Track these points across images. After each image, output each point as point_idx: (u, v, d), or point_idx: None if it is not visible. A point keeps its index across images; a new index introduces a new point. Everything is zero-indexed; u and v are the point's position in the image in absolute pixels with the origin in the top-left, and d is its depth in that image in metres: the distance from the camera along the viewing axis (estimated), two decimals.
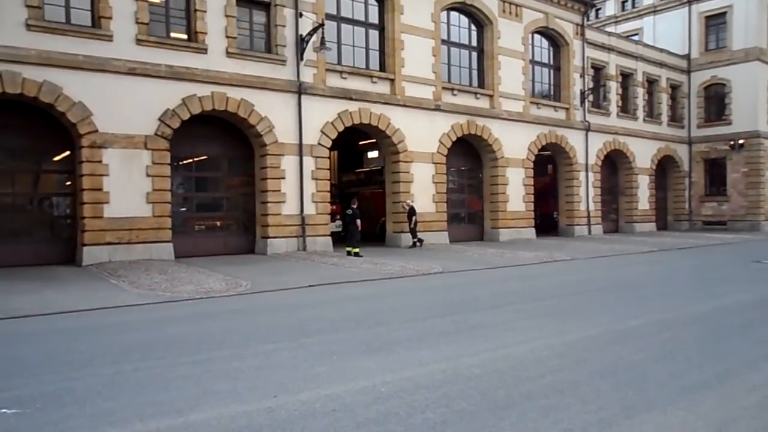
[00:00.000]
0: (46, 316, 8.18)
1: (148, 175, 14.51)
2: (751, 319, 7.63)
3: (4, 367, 5.45)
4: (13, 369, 5.33)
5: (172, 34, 15.22)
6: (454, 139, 20.77)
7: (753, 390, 4.61)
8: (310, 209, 17.17)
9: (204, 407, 4.21)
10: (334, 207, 20.25)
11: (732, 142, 30.67)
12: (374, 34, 19.25)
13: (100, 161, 13.88)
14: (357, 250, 16.17)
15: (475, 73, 22.11)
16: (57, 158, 14.81)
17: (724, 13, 30.94)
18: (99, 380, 4.91)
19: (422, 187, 19.85)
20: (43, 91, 13.09)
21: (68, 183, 14.71)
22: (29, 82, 12.90)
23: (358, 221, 16.83)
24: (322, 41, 16.22)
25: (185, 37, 15.36)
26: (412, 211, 18.78)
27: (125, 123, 14.18)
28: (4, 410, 4.18)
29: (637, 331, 6.78)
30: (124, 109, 14.13)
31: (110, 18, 13.96)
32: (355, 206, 17.25)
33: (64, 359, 5.65)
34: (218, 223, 17.27)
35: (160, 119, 14.66)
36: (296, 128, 16.91)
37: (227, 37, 15.72)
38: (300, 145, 16.95)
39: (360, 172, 26.70)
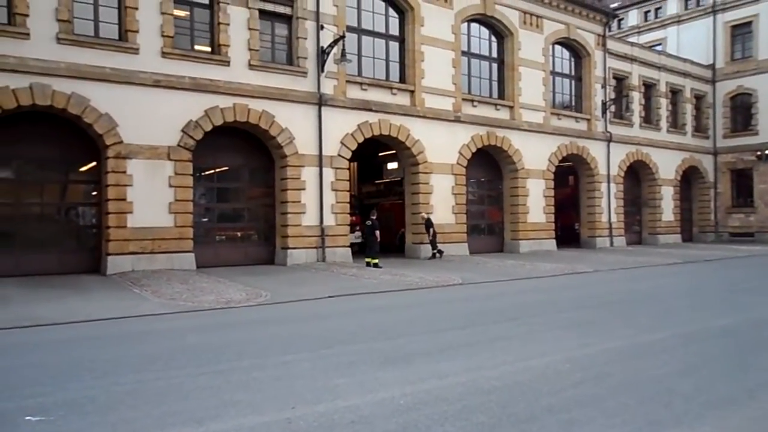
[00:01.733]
0: (70, 324, 8.31)
1: (170, 186, 14.72)
2: None
3: (29, 374, 5.55)
4: (37, 377, 5.42)
5: (196, 47, 15.50)
6: (474, 150, 20.71)
7: None
8: (329, 220, 17.23)
9: (223, 417, 4.22)
10: (354, 218, 20.28)
11: (759, 153, 30.05)
12: (395, 46, 19.36)
13: (125, 172, 14.13)
14: (376, 260, 16.16)
15: (495, 84, 22.08)
16: (83, 169, 15.13)
17: (750, 23, 30.49)
18: (121, 389, 4.96)
19: (442, 199, 19.80)
20: (72, 103, 13.40)
21: (94, 193, 15.00)
22: (58, 94, 13.23)
23: (377, 232, 16.83)
24: (343, 53, 16.36)
25: (209, 49, 15.63)
26: (429, 223, 18.72)
27: (149, 134, 14.44)
28: (28, 417, 4.25)
29: (662, 344, 6.64)
30: (149, 120, 14.39)
31: (137, 31, 14.28)
32: (374, 217, 17.27)
33: (87, 367, 5.73)
34: (239, 234, 17.42)
35: (183, 130, 14.89)
36: (316, 139, 17.03)
37: (250, 49, 15.95)
38: (320, 156, 17.06)
39: (379, 183, 26.73)
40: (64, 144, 14.38)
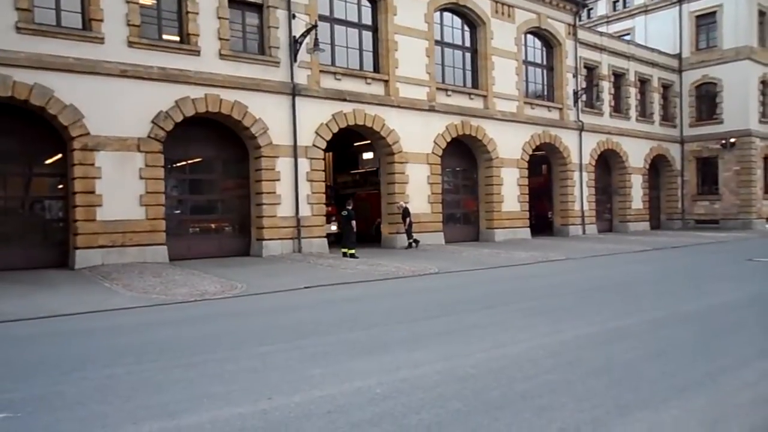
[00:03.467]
0: (38, 319, 8.12)
1: (141, 178, 14.45)
2: (744, 317, 7.66)
3: None
4: (3, 373, 5.29)
5: (165, 36, 15.17)
6: (448, 139, 20.79)
7: (745, 388, 4.62)
8: (305, 211, 17.15)
9: (197, 410, 4.19)
10: (330, 208, 20.22)
11: (723, 141, 30.84)
12: (368, 35, 19.26)
13: (93, 164, 13.81)
14: (353, 251, 16.15)
15: (468, 73, 22.15)
16: (49, 161, 14.74)
17: (714, 12, 31.12)
18: (91, 384, 4.88)
19: (417, 188, 19.86)
20: (34, 94, 13.02)
21: (60, 186, 14.64)
22: (20, 85, 12.83)
23: (354, 222, 16.81)
24: (316, 42, 16.21)
25: (177, 39, 15.32)
26: (406, 213, 18.78)
27: (118, 125, 14.12)
28: None
29: (631, 329, 6.80)
30: (117, 111, 14.07)
31: (101, 20, 13.91)
32: (350, 207, 17.24)
33: (56, 363, 5.62)
34: (213, 226, 17.23)
35: (153, 122, 14.61)
36: (291, 130, 16.88)
37: (220, 38, 15.68)
38: (295, 146, 16.93)
39: (355, 174, 26.69)
40: (28, 136, 13.99)
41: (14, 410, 4.24)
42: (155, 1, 15.10)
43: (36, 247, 14.24)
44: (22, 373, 5.28)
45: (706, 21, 31.60)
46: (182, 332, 7.27)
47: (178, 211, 16.39)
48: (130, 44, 14.31)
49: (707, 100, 32.00)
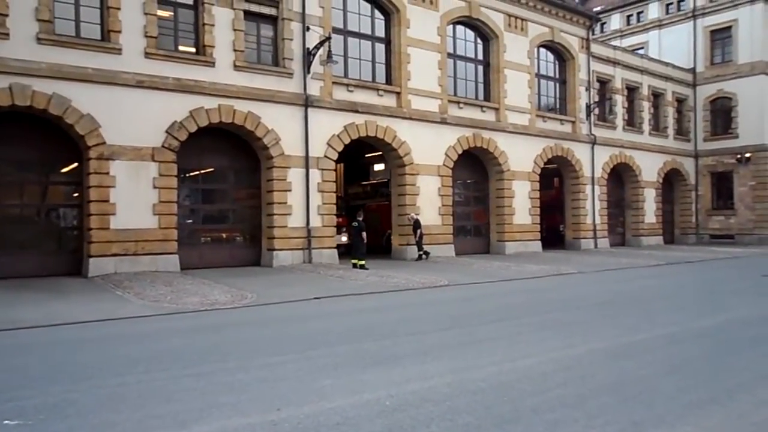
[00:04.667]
0: (51, 327, 8.19)
1: (154, 187, 14.58)
2: (760, 333, 7.53)
3: (8, 378, 5.45)
4: (16, 380, 5.33)
5: (180, 48, 15.39)
6: (460, 151, 20.79)
7: (762, 405, 4.54)
8: (316, 221, 17.19)
9: (207, 420, 4.18)
10: (340, 219, 20.26)
11: (739, 156, 30.55)
12: (380, 48, 19.38)
13: (108, 173, 13.97)
14: (363, 262, 16.15)
15: (481, 86, 22.19)
16: (65, 170, 14.93)
17: (730, 27, 30.97)
18: (102, 392, 4.90)
19: (428, 200, 19.85)
20: (53, 104, 13.22)
21: (75, 194, 14.81)
22: (39, 95, 13.04)
23: (364, 234, 16.83)
24: (329, 54, 16.34)
25: (193, 50, 15.52)
26: (417, 224, 18.76)
27: (133, 135, 14.29)
28: (6, 422, 4.17)
29: (645, 345, 6.71)
30: (132, 121, 14.24)
31: (119, 31, 14.13)
32: (360, 219, 17.27)
33: (68, 371, 5.65)
34: (224, 235, 17.31)
35: (167, 131, 14.77)
36: (303, 141, 16.98)
37: (235, 50, 15.86)
38: (306, 157, 17.02)
39: (366, 185, 26.73)
40: (45, 145, 14.18)
41: (27, 417, 4.26)
42: (172, 13, 15.34)
43: (51, 254, 14.38)
44: (36, 380, 5.31)
45: (721, 36, 31.44)
46: (193, 341, 7.28)
47: (190, 221, 16.50)
48: (147, 55, 14.51)
49: (722, 114, 31.77)
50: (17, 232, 14.04)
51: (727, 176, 31.43)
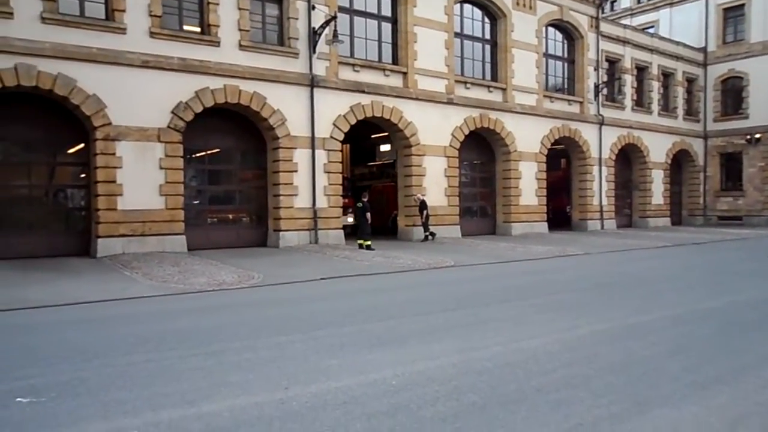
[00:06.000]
0: (61, 307, 8.28)
1: (161, 168, 14.60)
2: (766, 315, 7.52)
3: (19, 357, 5.53)
4: (27, 359, 5.40)
5: (185, 27, 15.27)
6: (466, 132, 20.66)
7: (767, 385, 4.55)
8: (322, 202, 17.20)
9: (215, 398, 4.24)
10: (347, 200, 20.28)
11: (749, 137, 30.22)
12: (387, 27, 19.17)
13: (114, 154, 13.99)
14: (369, 242, 16.18)
15: (488, 66, 21.96)
16: (71, 151, 14.95)
17: (743, 5, 30.41)
18: (112, 371, 4.96)
19: (434, 181, 19.79)
20: (58, 84, 13.20)
21: (83, 175, 14.86)
22: (44, 75, 13.01)
23: (368, 214, 16.85)
24: (335, 34, 16.18)
25: (198, 30, 15.41)
26: (423, 205, 18.74)
27: (139, 116, 14.27)
28: (19, 399, 4.24)
29: (650, 325, 6.72)
30: (138, 101, 14.21)
31: (124, 11, 14.03)
32: (365, 199, 17.29)
33: (77, 350, 5.72)
34: (231, 216, 17.36)
35: (173, 112, 14.74)
36: (309, 121, 16.92)
37: (240, 30, 15.73)
38: (312, 138, 16.97)
39: (372, 166, 26.66)
40: (51, 125, 14.19)
41: (38, 395, 4.33)
42: None
43: (59, 235, 14.48)
44: (46, 359, 5.38)
45: (734, 14, 30.89)
46: (200, 321, 7.35)
47: (196, 202, 16.54)
48: (152, 35, 14.42)
49: (733, 94, 31.35)
50: (25, 213, 14.13)
51: (736, 157, 31.13)
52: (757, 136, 29.92)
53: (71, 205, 15.30)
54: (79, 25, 13.52)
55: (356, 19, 18.38)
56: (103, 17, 13.97)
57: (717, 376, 4.77)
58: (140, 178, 14.29)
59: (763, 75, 29.75)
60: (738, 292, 9.41)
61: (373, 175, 26.35)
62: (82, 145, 14.68)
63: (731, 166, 31.46)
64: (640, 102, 28.24)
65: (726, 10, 31.08)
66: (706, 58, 31.51)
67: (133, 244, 14.09)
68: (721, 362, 5.18)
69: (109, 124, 13.87)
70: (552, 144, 23.68)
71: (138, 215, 14.24)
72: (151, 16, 14.37)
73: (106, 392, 4.39)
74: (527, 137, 22.50)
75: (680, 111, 30.31)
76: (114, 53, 13.88)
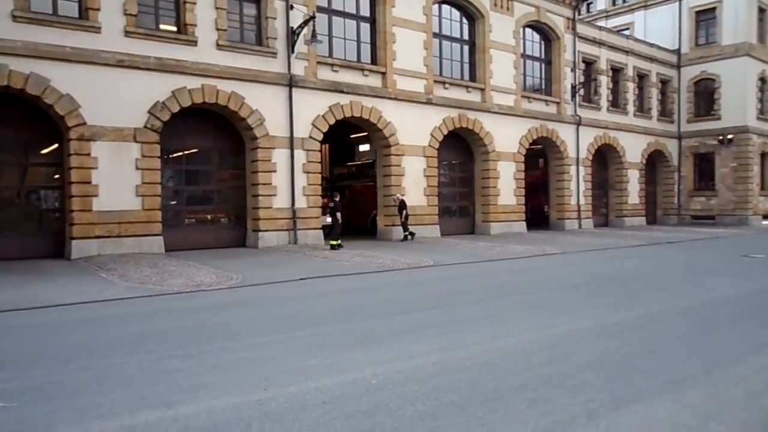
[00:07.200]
0: (34, 309, 8.11)
1: (137, 168, 14.40)
2: (739, 312, 7.71)
3: None
4: None
5: (161, 26, 15.08)
6: (445, 132, 20.76)
7: (740, 382, 4.66)
8: (301, 202, 17.13)
9: (194, 400, 4.20)
10: (326, 200, 20.23)
11: (721, 137, 30.90)
12: (365, 27, 19.17)
13: (89, 154, 13.75)
14: (338, 242, 16.15)
15: (466, 66, 22.09)
16: (45, 151, 14.66)
17: (714, 8, 31.08)
18: (87, 374, 4.88)
19: (414, 181, 19.85)
20: (30, 83, 12.93)
21: (56, 176, 14.58)
22: (15, 74, 12.74)
23: (339, 214, 16.85)
24: (313, 34, 16.13)
25: (174, 29, 15.22)
26: (402, 205, 18.78)
27: (114, 115, 14.05)
28: None
29: (627, 324, 6.84)
30: (113, 101, 14.00)
31: (98, 9, 13.80)
32: (337, 199, 17.34)
33: (52, 353, 5.61)
34: (209, 217, 17.20)
35: (149, 112, 14.54)
36: (287, 121, 16.84)
37: (217, 29, 15.59)
38: (291, 138, 16.89)
39: (351, 166, 26.66)
40: (24, 125, 13.89)
41: (11, 400, 4.24)
42: None
43: (32, 237, 14.18)
44: (19, 363, 5.28)
45: (706, 17, 31.55)
46: (178, 323, 7.27)
47: (174, 202, 16.35)
48: (127, 34, 14.21)
49: (705, 96, 32.02)
50: None
51: (709, 157, 31.80)
52: (729, 136, 30.60)
53: (45, 206, 15.00)
54: (52, 23, 13.26)
55: (335, 18, 18.35)
56: (77, 16, 13.73)
57: (690, 373, 4.88)
58: (116, 179, 14.07)
59: (734, 77, 30.46)
60: (712, 291, 9.62)
61: (352, 175, 26.35)
62: (55, 146, 14.41)
63: (704, 166, 32.13)
64: (616, 103, 28.69)
65: (698, 13, 31.74)
66: (680, 60, 32.14)
67: (109, 246, 13.87)
68: (694, 359, 5.30)
69: (84, 124, 13.63)
70: (530, 144, 23.91)
71: (114, 216, 14.02)
72: (126, 15, 14.16)
73: (81, 396, 4.32)
74: (505, 137, 22.70)
75: (655, 112, 30.87)
76: (88, 52, 13.64)
